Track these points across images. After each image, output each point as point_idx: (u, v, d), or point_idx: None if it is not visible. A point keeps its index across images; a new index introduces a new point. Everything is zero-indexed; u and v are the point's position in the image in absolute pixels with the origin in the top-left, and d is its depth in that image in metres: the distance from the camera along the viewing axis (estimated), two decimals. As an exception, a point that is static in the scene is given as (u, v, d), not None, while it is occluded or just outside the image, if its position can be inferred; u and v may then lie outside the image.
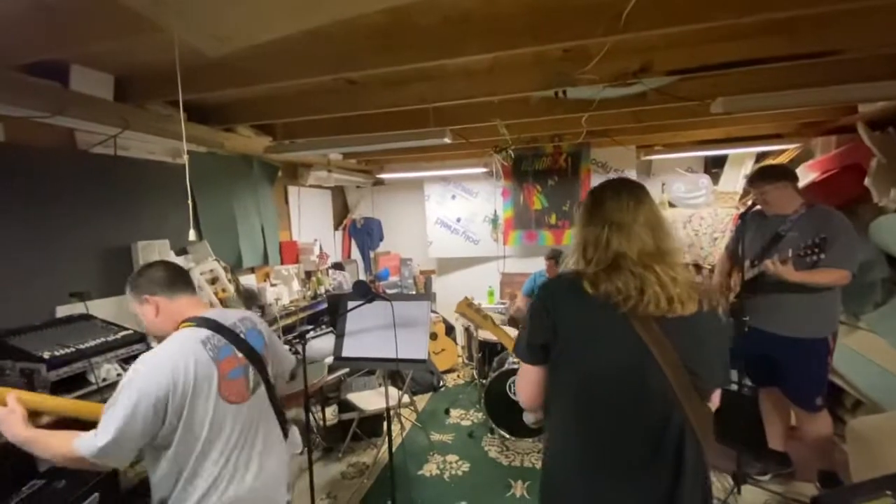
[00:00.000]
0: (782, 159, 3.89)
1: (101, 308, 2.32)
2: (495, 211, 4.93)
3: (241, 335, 1.35)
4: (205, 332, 1.28)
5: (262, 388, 1.38)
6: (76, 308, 2.21)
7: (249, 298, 3.25)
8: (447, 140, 2.80)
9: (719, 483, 2.50)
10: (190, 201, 1.79)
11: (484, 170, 4.72)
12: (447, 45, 1.81)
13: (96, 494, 1.66)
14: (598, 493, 1.08)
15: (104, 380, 1.87)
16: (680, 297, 1.02)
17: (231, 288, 3.06)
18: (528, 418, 3.30)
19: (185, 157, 1.69)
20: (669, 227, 1.12)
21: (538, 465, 2.85)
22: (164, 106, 2.47)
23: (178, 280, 1.36)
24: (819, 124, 3.49)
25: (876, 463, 1.76)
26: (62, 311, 2.20)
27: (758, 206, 2.37)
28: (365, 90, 2.53)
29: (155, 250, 2.63)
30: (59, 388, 1.77)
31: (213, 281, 2.97)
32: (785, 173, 2.31)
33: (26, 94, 1.84)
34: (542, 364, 1.13)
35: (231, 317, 1.39)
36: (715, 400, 1.12)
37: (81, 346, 1.87)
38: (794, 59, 1.97)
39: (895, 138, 2.87)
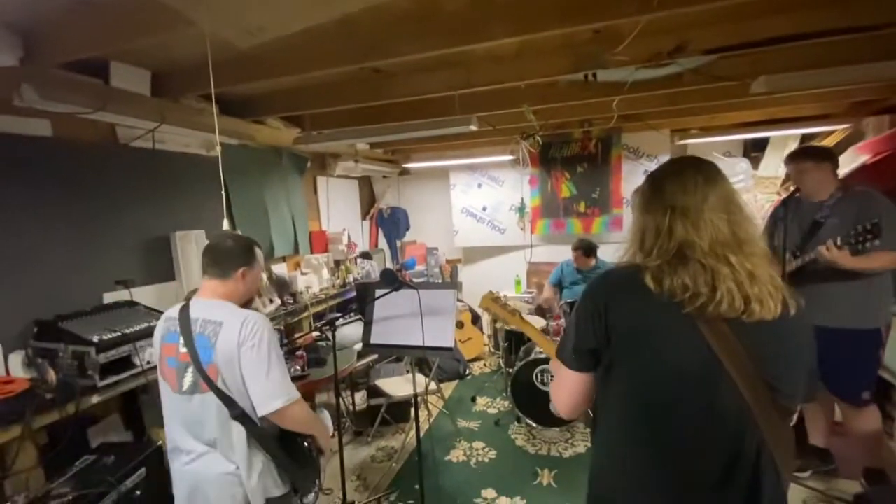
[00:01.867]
0: (830, 141, 3.66)
1: (143, 295, 2.45)
2: (522, 199, 4.87)
3: (193, 334, 1.31)
4: (175, 312, 1.36)
5: (209, 398, 1.28)
6: (121, 295, 2.34)
7: (282, 286, 3.34)
8: (473, 127, 2.77)
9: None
10: (223, 192, 1.85)
11: (510, 157, 4.66)
12: (474, 29, 1.78)
13: (143, 469, 1.76)
14: None
15: (148, 363, 1.97)
16: (759, 297, 0.85)
17: (264, 277, 3.15)
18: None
19: (218, 149, 1.74)
20: (749, 210, 0.94)
21: (566, 454, 2.84)
22: (198, 100, 2.54)
23: (207, 261, 1.40)
24: (871, 103, 3.26)
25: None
26: (109, 298, 2.32)
27: (797, 194, 2.24)
28: (391, 79, 2.53)
29: (192, 240, 2.73)
30: (105, 371, 1.88)
31: (247, 269, 3.07)
32: (829, 154, 2.20)
33: (72, 91, 1.93)
34: (590, 371, 0.98)
35: (207, 313, 1.33)
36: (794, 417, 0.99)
37: (127, 331, 1.98)
38: (846, 32, 1.83)
39: (959, 116, 2.66)
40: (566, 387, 1.02)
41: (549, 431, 3.07)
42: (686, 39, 1.99)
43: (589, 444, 2.87)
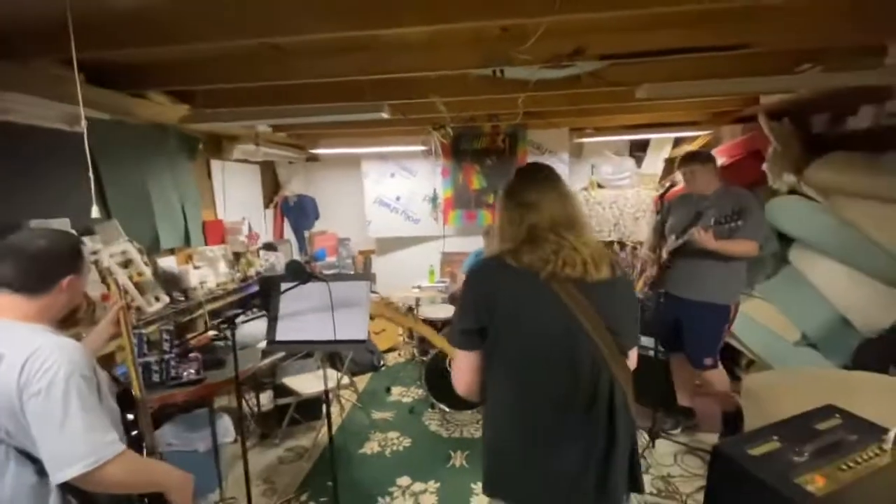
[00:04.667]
0: (696, 145, 4.22)
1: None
2: (435, 190, 4.92)
3: None
4: None
5: (9, 451, 1.00)
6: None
7: (170, 282, 3.00)
8: (385, 115, 2.71)
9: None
10: (91, 174, 1.60)
11: (423, 148, 4.67)
12: (383, 13, 1.73)
13: None
14: (543, 460, 1.11)
15: None
16: (594, 260, 1.10)
17: (148, 271, 2.80)
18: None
19: (84, 123, 1.49)
20: (580, 202, 1.23)
21: (477, 434, 2.97)
22: (56, 65, 2.14)
23: (8, 272, 1.04)
24: (727, 113, 3.82)
25: (766, 413, 2.02)
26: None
27: (676, 190, 2.61)
28: (294, 58, 2.36)
29: (52, 230, 2.33)
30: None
31: (126, 264, 2.70)
32: (711, 157, 2.64)
33: None
34: (480, 348, 1.16)
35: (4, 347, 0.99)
36: (633, 359, 1.21)
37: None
38: (714, 50, 2.11)
39: (789, 128, 3.22)
40: (462, 367, 1.20)
41: (462, 414, 3.18)
42: (584, 44, 2.15)
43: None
